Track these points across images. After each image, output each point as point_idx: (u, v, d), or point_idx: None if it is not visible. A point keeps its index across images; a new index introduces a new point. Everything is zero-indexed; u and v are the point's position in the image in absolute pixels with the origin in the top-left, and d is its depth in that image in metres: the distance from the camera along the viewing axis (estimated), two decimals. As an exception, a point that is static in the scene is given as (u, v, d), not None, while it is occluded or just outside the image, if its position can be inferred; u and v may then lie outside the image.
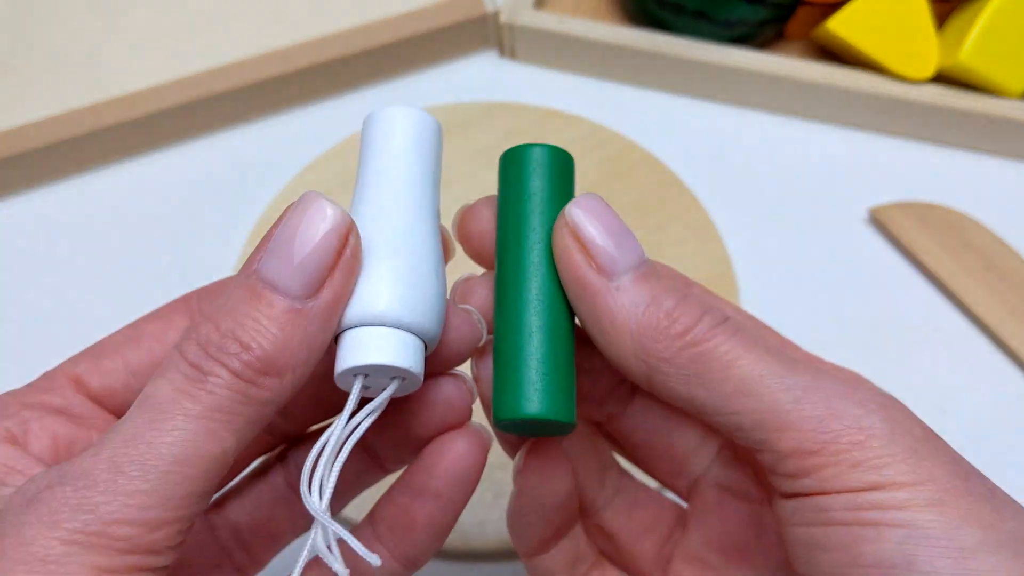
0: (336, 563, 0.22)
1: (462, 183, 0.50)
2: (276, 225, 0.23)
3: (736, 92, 0.54)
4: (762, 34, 0.53)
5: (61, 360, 0.27)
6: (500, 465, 0.41)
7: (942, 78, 0.52)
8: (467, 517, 0.41)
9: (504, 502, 0.41)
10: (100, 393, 0.26)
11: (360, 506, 0.38)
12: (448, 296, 0.26)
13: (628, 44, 0.53)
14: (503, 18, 0.54)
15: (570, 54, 0.55)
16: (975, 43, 0.50)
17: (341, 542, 0.23)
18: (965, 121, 0.52)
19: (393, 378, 0.23)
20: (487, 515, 0.41)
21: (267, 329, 0.22)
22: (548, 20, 0.54)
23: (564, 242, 0.25)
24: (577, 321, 0.26)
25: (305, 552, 0.23)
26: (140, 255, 0.51)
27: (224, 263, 0.50)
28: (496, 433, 0.28)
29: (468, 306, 0.26)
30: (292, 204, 0.23)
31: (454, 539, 0.40)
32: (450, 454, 0.26)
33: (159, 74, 0.53)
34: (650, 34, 0.53)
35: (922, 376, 0.46)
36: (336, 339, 0.23)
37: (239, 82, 0.53)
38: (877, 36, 0.51)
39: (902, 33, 0.51)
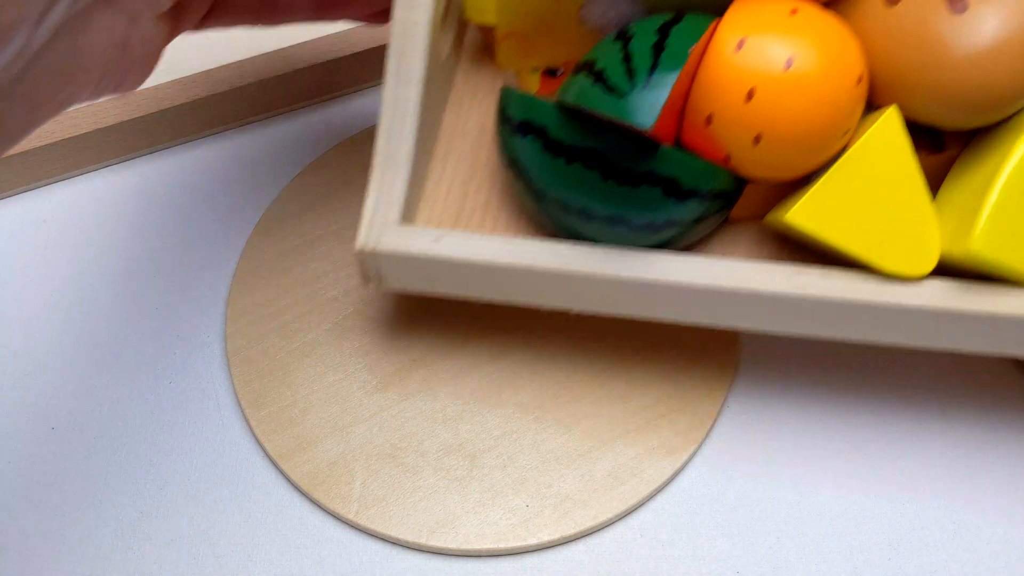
0: None
1: None
2: None
3: (674, 306, 0.41)
4: (700, 231, 0.40)
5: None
6: None
7: (943, 268, 0.39)
8: None
9: None
10: None
11: None
12: None
13: (525, 263, 0.40)
14: (358, 244, 0.41)
15: (453, 281, 0.42)
16: (988, 225, 0.37)
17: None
18: (983, 325, 0.39)
19: None
20: None
21: None
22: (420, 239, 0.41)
23: None
24: None
25: None
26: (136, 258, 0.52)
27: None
28: None
29: None
30: None
31: None
32: None
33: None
34: (554, 246, 0.40)
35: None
36: None
37: (237, 83, 0.55)
38: (855, 225, 0.38)
39: (889, 218, 0.38)
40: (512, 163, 0.40)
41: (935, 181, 0.43)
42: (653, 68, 0.35)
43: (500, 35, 0.42)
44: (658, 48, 0.35)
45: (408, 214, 0.42)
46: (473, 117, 0.46)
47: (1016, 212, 0.37)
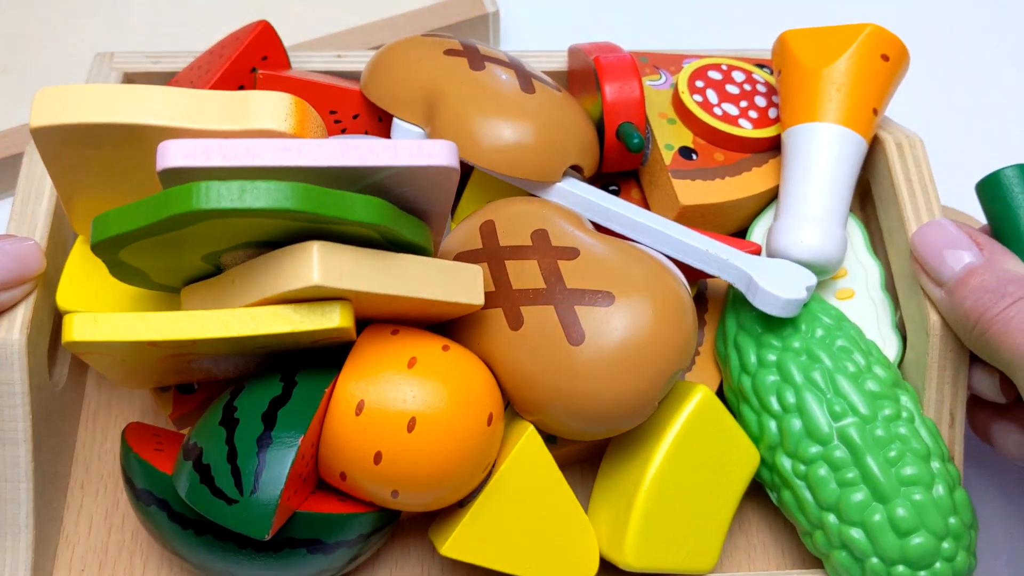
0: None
1: None
2: None
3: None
4: (366, 555, 0.38)
5: None
6: None
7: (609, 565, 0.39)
8: None
9: None
10: None
11: None
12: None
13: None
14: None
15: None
16: (635, 540, 0.37)
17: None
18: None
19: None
20: None
21: None
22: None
23: None
24: None
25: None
26: None
27: None
28: None
29: None
30: None
31: None
32: None
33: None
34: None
35: None
36: None
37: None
38: (512, 546, 0.37)
39: (545, 532, 0.37)
40: (144, 525, 0.36)
41: (594, 456, 0.43)
42: (259, 471, 0.32)
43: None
44: (264, 441, 0.32)
45: (41, 573, 0.38)
46: (111, 432, 0.42)
47: (659, 518, 0.37)
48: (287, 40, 0.54)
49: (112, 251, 0.32)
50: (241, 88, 0.44)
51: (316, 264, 0.31)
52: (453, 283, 0.35)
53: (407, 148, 0.33)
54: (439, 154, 0.33)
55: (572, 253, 0.37)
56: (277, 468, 0.32)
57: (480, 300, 0.35)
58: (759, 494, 0.42)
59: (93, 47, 0.55)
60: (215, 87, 0.43)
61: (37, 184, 0.40)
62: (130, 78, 0.47)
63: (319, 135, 0.36)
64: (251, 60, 0.44)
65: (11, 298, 0.36)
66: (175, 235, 0.31)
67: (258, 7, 0.57)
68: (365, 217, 0.32)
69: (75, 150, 0.34)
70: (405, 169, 0.33)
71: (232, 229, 0.32)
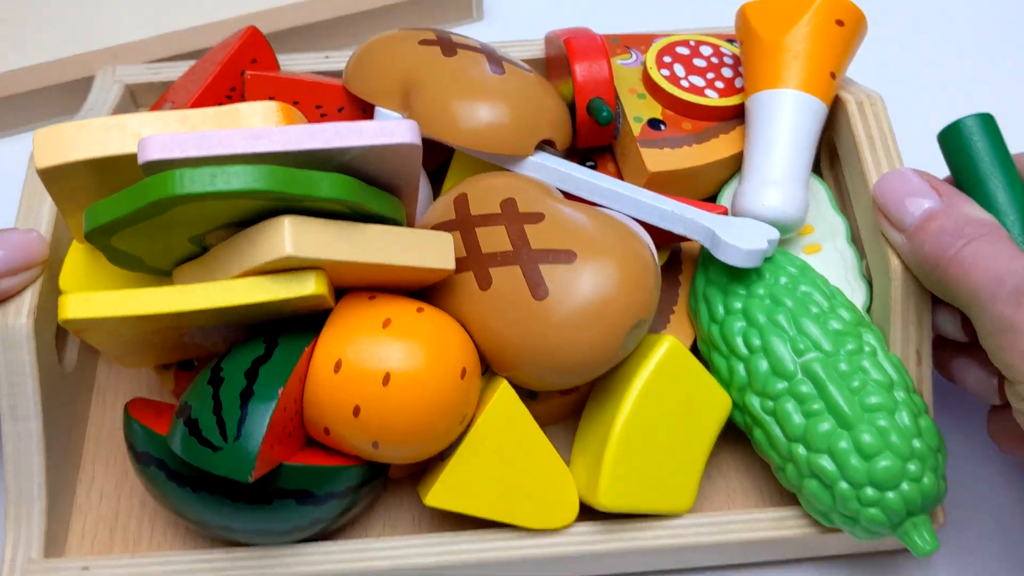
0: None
1: None
2: None
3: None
4: (356, 511, 0.40)
5: None
6: None
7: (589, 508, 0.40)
8: None
9: None
10: None
11: None
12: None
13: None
14: None
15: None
16: (609, 480, 0.38)
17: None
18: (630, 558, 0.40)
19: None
20: None
21: None
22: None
23: None
24: None
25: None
26: None
27: None
28: None
29: None
30: None
31: None
32: None
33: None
34: (209, 555, 0.39)
35: None
36: None
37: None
38: (493, 494, 0.39)
39: (524, 480, 0.39)
40: (147, 488, 0.39)
41: (577, 413, 0.44)
42: (243, 419, 0.34)
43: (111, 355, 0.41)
44: (246, 394, 0.35)
45: (55, 539, 0.41)
46: (120, 410, 0.45)
47: (631, 461, 0.39)
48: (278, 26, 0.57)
49: (104, 239, 0.35)
50: (232, 91, 0.47)
51: (288, 236, 0.34)
52: (423, 249, 0.37)
53: (370, 129, 0.35)
54: (401, 133, 0.35)
55: (538, 218, 0.39)
56: (258, 416, 0.34)
57: (451, 265, 0.37)
58: (740, 440, 0.44)
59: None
60: (208, 89, 0.46)
61: (40, 184, 0.43)
62: (132, 89, 0.50)
63: None
64: (241, 63, 0.47)
65: (17, 284, 0.39)
66: (160, 220, 0.34)
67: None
68: (331, 193, 0.34)
69: (76, 180, 0.37)
70: (370, 149, 0.35)
71: (211, 212, 0.34)
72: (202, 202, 0.33)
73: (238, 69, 0.47)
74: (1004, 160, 0.40)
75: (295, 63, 0.51)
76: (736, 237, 0.40)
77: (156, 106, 0.49)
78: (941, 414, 0.46)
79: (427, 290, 0.40)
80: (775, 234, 0.41)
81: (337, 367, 0.36)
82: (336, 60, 0.51)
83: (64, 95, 0.57)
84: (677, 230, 0.41)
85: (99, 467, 0.44)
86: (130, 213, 0.33)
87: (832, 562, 0.43)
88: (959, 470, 0.45)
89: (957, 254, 0.37)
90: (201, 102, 0.46)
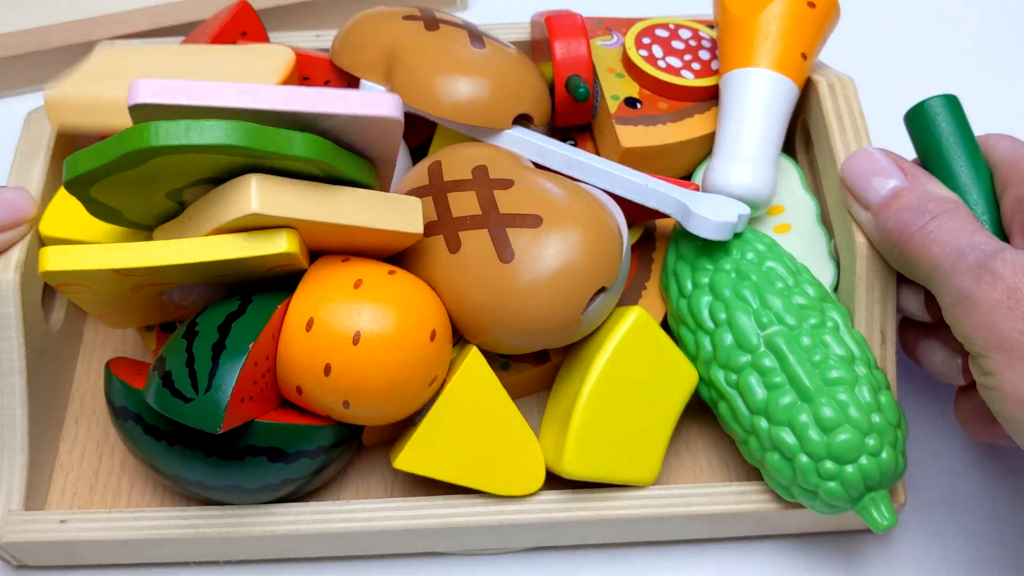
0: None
1: None
2: None
3: (316, 548, 0.42)
4: (329, 474, 0.41)
5: None
6: None
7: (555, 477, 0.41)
8: None
9: None
10: None
11: None
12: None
13: (155, 535, 0.40)
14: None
15: (91, 555, 0.41)
16: (574, 448, 0.39)
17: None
18: (598, 527, 0.41)
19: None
20: None
21: None
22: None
23: None
24: None
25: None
26: None
27: None
28: None
29: None
30: None
31: None
32: None
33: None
34: (182, 513, 0.40)
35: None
36: None
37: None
38: (460, 459, 0.40)
39: (492, 447, 0.40)
40: (124, 443, 0.40)
41: (548, 385, 0.45)
42: (213, 371, 0.35)
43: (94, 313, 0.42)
44: (218, 347, 0.36)
45: (36, 493, 0.42)
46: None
47: (597, 430, 0.40)
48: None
49: (83, 189, 0.36)
50: None
51: (254, 194, 0.35)
52: (392, 213, 0.38)
53: (356, 98, 0.36)
54: (385, 105, 0.36)
55: (507, 184, 0.40)
56: (228, 369, 0.35)
57: (419, 228, 0.38)
58: (709, 418, 0.44)
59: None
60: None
61: (32, 145, 0.44)
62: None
63: None
64: (231, 36, 0.48)
65: (4, 240, 0.40)
66: (138, 172, 0.35)
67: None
68: (303, 152, 0.35)
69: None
70: (352, 118, 0.36)
71: (188, 166, 0.35)
72: (178, 155, 0.34)
73: (228, 41, 0.48)
74: (968, 140, 0.40)
75: (286, 40, 0.51)
76: (707, 210, 0.40)
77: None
78: (906, 400, 0.47)
79: (399, 254, 0.41)
80: (745, 210, 0.41)
81: (309, 326, 0.37)
82: (325, 39, 0.52)
83: (49, 61, 0.58)
84: (650, 203, 0.42)
85: (82, 427, 0.45)
86: (107, 163, 0.34)
87: (795, 540, 0.43)
88: (923, 454, 0.46)
89: (920, 230, 0.37)
90: (192, 75, 0.47)
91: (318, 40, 0.52)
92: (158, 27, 0.58)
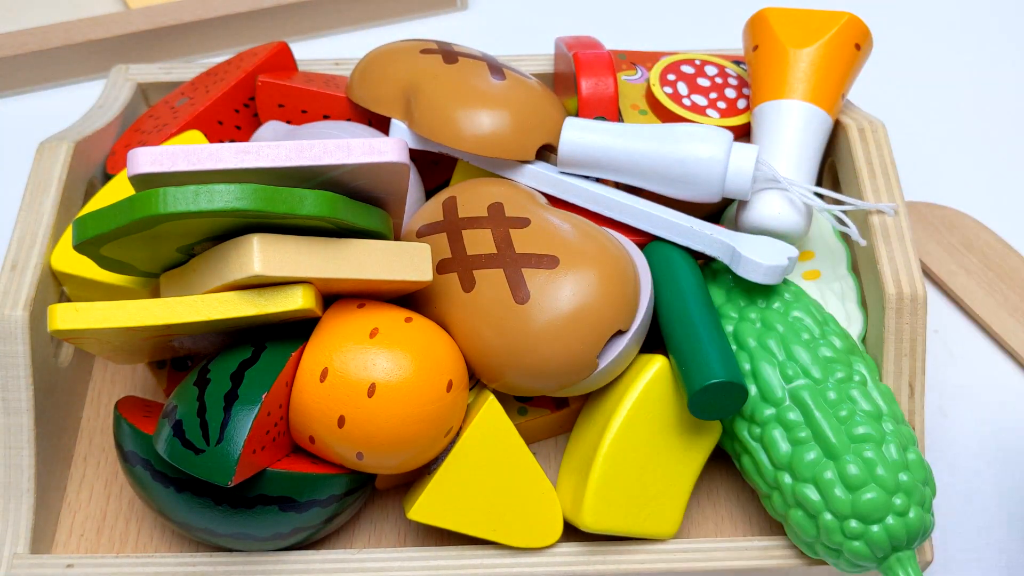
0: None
1: None
2: None
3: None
4: (340, 521, 0.40)
5: None
6: None
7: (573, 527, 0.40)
8: None
9: None
10: None
11: None
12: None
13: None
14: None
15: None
16: (593, 502, 0.38)
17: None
18: None
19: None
20: None
21: None
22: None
23: None
24: None
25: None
26: None
27: None
28: None
29: None
30: None
31: None
32: None
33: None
34: (191, 560, 0.39)
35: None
36: None
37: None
38: (476, 510, 0.39)
39: (509, 497, 0.39)
40: (133, 487, 0.39)
41: (567, 429, 0.44)
42: (225, 422, 0.34)
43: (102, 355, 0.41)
44: (231, 397, 0.35)
45: (43, 535, 0.41)
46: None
47: (617, 482, 0.38)
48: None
49: (93, 249, 0.35)
50: (251, 99, 0.48)
51: (256, 255, 0.34)
52: (399, 262, 0.37)
53: (359, 147, 0.35)
54: (389, 151, 0.35)
55: (524, 223, 0.40)
56: (241, 420, 0.34)
57: (427, 276, 0.37)
58: (732, 468, 0.43)
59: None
60: (226, 95, 0.47)
61: (45, 178, 0.43)
62: (144, 88, 0.51)
63: None
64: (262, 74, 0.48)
65: None
66: (147, 233, 0.34)
67: None
68: (315, 211, 0.34)
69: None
70: (357, 166, 0.35)
71: (197, 226, 0.34)
72: (189, 219, 0.33)
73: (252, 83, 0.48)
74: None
75: (306, 68, 0.51)
76: (757, 253, 0.39)
77: (170, 98, 0.49)
78: (933, 452, 0.46)
79: (413, 292, 0.40)
80: (794, 252, 0.40)
81: (323, 376, 0.36)
82: (345, 67, 0.51)
83: (49, 61, 0.58)
84: (696, 246, 0.41)
85: (90, 466, 0.44)
86: (116, 228, 0.33)
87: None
88: (951, 508, 0.45)
89: None
90: (219, 104, 0.47)
91: (337, 68, 0.51)
92: (158, 27, 0.58)
